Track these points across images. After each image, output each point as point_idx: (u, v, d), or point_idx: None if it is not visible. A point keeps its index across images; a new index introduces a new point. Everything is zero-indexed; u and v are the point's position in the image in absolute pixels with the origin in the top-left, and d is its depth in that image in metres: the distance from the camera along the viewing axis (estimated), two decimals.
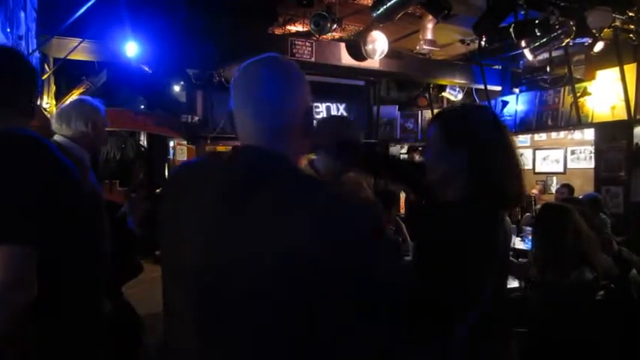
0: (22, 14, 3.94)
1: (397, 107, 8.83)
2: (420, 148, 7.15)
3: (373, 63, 6.57)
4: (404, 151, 9.57)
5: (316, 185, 0.94)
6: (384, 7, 4.24)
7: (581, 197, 4.82)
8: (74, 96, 5.33)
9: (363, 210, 0.87)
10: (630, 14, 4.72)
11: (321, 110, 8.63)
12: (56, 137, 2.06)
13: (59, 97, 5.83)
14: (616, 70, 5.28)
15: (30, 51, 4.25)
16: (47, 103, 5.16)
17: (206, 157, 1.19)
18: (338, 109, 8.75)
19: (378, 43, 6.07)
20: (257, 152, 0.93)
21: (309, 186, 0.90)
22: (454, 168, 1.28)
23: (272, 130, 0.94)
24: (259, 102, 0.94)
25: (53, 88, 5.77)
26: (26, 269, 1.10)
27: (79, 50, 5.15)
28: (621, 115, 5.28)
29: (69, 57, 5.27)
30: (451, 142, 1.30)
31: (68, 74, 6.38)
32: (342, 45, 6.57)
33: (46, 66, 5.44)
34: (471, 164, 1.27)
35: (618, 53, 5.22)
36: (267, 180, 0.87)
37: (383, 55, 6.23)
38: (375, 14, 4.37)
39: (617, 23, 4.84)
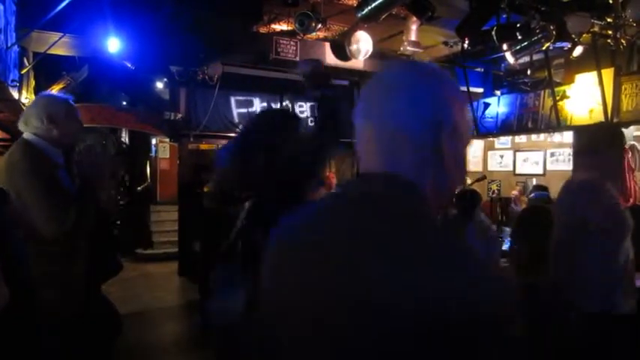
0: (1, 7, 3.87)
1: None
2: None
3: (357, 63, 6.60)
4: None
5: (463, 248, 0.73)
6: (369, 7, 4.26)
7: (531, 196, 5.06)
8: (54, 91, 5.25)
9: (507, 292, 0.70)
10: (608, 20, 4.82)
11: (305, 109, 8.62)
12: (25, 135, 1.99)
13: (39, 92, 5.73)
14: (594, 74, 5.38)
15: (9, 45, 4.18)
16: (26, 98, 5.08)
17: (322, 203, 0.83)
18: None
19: (363, 43, 6.10)
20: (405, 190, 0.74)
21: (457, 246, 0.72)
22: None
23: (387, 149, 0.77)
24: (380, 117, 0.77)
25: (32, 83, 5.67)
26: None
27: (59, 45, 5.07)
28: (599, 118, 5.39)
29: (49, 51, 5.19)
30: None
31: (48, 69, 6.27)
32: (327, 45, 6.59)
33: (25, 60, 5.35)
34: None
35: (596, 58, 5.32)
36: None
37: (367, 56, 6.25)
38: (359, 15, 4.39)
39: (596, 29, 4.94)
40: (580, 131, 2.36)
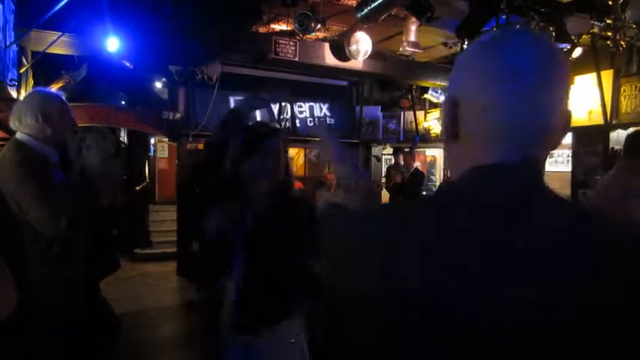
0: (0, 6, 3.86)
1: (380, 108, 8.88)
2: (406, 150, 7.21)
3: (357, 63, 6.59)
4: (386, 151, 9.64)
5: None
6: (369, 8, 4.26)
7: None
8: (46, 88, 5.24)
9: None
10: (608, 22, 4.83)
11: (304, 110, 8.63)
12: (18, 135, 1.95)
13: None
14: (593, 75, 5.39)
15: (7, 44, 4.17)
16: None
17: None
18: (321, 109, 8.75)
19: (362, 43, 6.10)
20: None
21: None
22: None
23: (534, 142, 0.70)
24: (538, 94, 0.69)
25: (31, 82, 5.66)
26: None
27: (58, 44, 5.06)
28: (598, 119, 5.39)
29: (48, 51, 5.18)
30: None
31: (47, 68, 6.26)
32: (326, 45, 6.58)
33: (24, 59, 5.34)
34: None
35: (596, 59, 5.33)
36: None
37: (366, 56, 6.26)
38: (359, 15, 4.39)
39: (595, 30, 4.95)
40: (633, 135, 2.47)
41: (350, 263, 0.73)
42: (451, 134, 0.74)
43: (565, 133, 0.74)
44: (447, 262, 0.65)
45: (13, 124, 1.94)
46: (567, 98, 0.73)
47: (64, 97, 2.11)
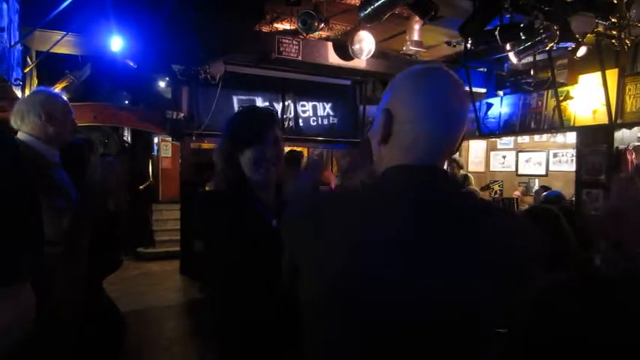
0: (5, 6, 3.87)
1: None
2: None
3: (360, 63, 6.59)
4: None
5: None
6: (372, 7, 4.25)
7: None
8: (57, 90, 5.26)
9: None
10: (613, 20, 4.80)
11: (307, 109, 8.62)
12: (20, 135, 1.94)
13: None
14: (598, 75, 5.36)
15: (12, 43, 4.18)
16: None
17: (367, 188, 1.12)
18: (324, 109, 8.75)
19: (365, 43, 6.09)
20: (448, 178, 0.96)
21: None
22: None
23: (447, 148, 0.94)
24: (450, 118, 0.92)
25: (35, 81, 5.68)
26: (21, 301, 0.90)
27: (62, 43, 5.08)
28: (602, 119, 5.36)
29: (52, 50, 5.19)
30: None
31: (51, 68, 6.28)
32: (329, 44, 6.58)
33: (28, 59, 5.36)
34: None
35: (600, 58, 5.30)
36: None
37: (370, 55, 6.25)
38: (362, 14, 4.38)
39: (600, 29, 4.92)
40: None
41: (293, 236, 0.99)
42: (383, 138, 0.95)
43: (460, 142, 0.98)
44: (354, 236, 0.87)
45: (14, 122, 1.93)
46: (466, 118, 0.97)
47: (65, 98, 2.10)
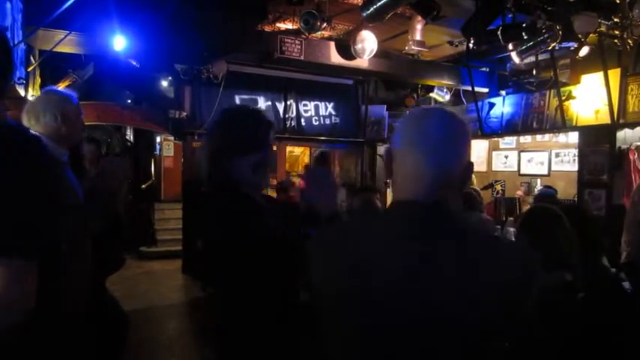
0: (8, 5, 3.89)
1: (385, 107, 8.87)
2: None
3: (362, 62, 6.59)
4: None
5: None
6: (374, 6, 4.25)
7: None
8: (55, 87, 5.27)
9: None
10: (615, 20, 4.79)
11: (309, 109, 8.63)
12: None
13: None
14: (600, 74, 5.35)
15: (16, 42, 4.20)
16: (32, 95, 5.10)
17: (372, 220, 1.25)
18: (326, 108, 8.75)
19: (368, 42, 6.10)
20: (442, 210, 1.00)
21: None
22: None
23: (439, 184, 0.99)
24: (435, 152, 0.99)
25: (39, 80, 5.69)
26: (28, 283, 1.02)
27: (65, 43, 5.10)
28: (605, 119, 5.36)
29: (55, 49, 5.21)
30: None
31: (54, 67, 6.30)
32: (332, 44, 6.59)
33: (31, 58, 5.37)
34: None
35: (603, 58, 5.29)
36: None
37: (372, 55, 6.25)
38: (364, 14, 4.38)
39: (603, 29, 4.91)
40: None
41: (315, 261, 1.10)
42: (388, 174, 1.07)
43: (468, 178, 1.05)
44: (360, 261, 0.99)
45: (27, 122, 1.93)
46: (468, 153, 1.03)
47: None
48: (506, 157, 8.24)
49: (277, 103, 8.24)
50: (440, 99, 8.57)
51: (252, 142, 1.61)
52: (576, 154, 6.31)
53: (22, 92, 4.56)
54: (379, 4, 4.21)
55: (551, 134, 7.01)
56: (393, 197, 1.06)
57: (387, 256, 0.96)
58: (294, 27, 6.13)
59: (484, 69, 7.80)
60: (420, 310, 0.91)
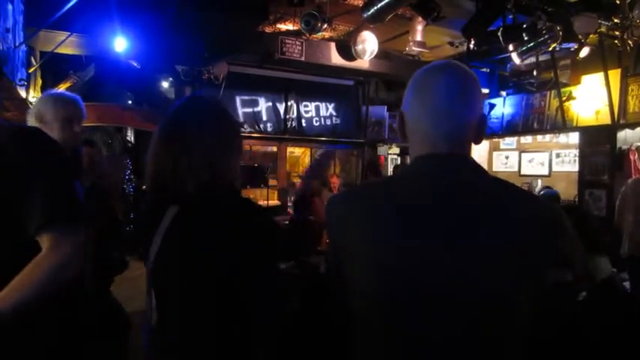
0: (10, 6, 3.90)
1: (386, 108, 8.88)
2: None
3: (363, 63, 6.60)
4: (392, 151, 9.63)
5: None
6: (375, 7, 4.26)
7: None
8: (60, 90, 5.28)
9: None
10: (615, 21, 4.80)
11: (310, 110, 8.64)
12: None
13: (45, 91, 5.76)
14: (601, 75, 5.36)
15: (17, 44, 4.21)
16: (33, 97, 5.11)
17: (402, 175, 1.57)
18: (327, 109, 8.76)
19: (368, 43, 6.10)
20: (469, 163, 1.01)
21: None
22: None
23: (450, 137, 0.99)
24: (440, 112, 0.99)
25: (40, 81, 5.70)
26: (79, 248, 1.25)
27: (66, 44, 5.10)
28: (605, 119, 5.37)
29: (56, 51, 5.22)
30: None
31: (55, 68, 6.30)
32: (332, 45, 6.60)
33: (32, 59, 5.38)
34: None
35: (603, 59, 5.30)
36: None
37: (372, 56, 6.26)
38: (365, 15, 4.39)
39: (603, 29, 4.92)
40: None
41: (338, 228, 1.07)
42: (401, 136, 1.07)
43: (482, 131, 1.02)
44: (388, 222, 0.97)
45: (32, 124, 1.92)
46: (480, 106, 1.02)
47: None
48: (506, 157, 8.24)
49: (278, 104, 8.25)
50: None
51: (229, 147, 1.41)
52: (577, 154, 6.32)
53: (23, 94, 4.56)
54: (380, 5, 4.22)
55: (552, 135, 7.02)
56: (411, 154, 1.06)
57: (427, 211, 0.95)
58: (295, 28, 6.14)
59: (484, 70, 7.81)
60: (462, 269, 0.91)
